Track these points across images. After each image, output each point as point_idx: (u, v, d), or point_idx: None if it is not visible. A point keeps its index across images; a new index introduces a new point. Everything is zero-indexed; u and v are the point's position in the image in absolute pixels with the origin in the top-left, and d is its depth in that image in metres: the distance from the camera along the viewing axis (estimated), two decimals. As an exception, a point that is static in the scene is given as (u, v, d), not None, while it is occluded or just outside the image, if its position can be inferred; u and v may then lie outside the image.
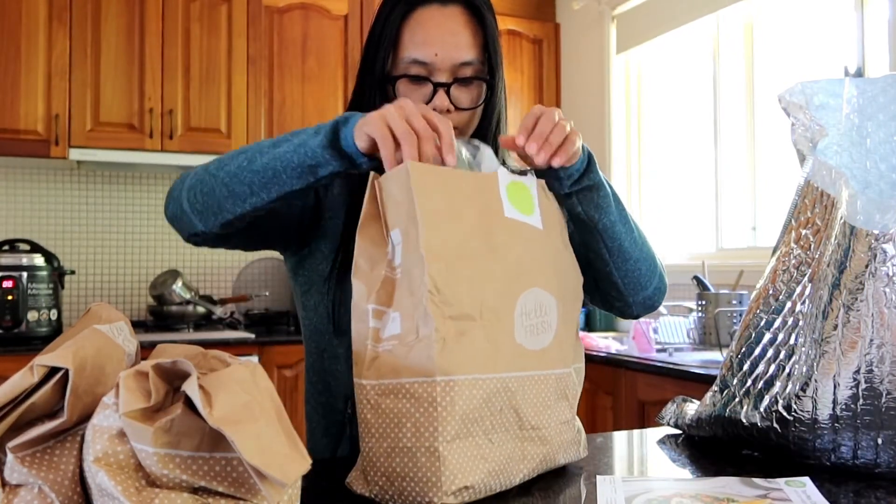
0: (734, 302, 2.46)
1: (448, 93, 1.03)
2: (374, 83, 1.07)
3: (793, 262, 0.92)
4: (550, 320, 0.87)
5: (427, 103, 1.02)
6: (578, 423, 0.92)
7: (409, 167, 0.78)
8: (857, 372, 0.83)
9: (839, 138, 0.90)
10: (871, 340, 0.82)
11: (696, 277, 2.59)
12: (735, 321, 2.40)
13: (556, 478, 0.87)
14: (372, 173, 0.83)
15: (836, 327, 0.84)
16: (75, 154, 2.86)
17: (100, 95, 2.90)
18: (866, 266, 0.82)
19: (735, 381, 0.97)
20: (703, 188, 3.08)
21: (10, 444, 0.53)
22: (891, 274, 0.81)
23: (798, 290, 0.91)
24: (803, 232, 0.92)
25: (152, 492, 0.52)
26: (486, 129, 1.12)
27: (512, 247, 0.84)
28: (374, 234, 0.82)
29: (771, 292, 0.94)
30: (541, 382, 0.85)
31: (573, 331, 0.92)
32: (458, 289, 0.78)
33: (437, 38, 1.03)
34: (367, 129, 0.83)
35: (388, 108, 0.83)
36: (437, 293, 0.76)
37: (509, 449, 0.80)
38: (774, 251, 0.96)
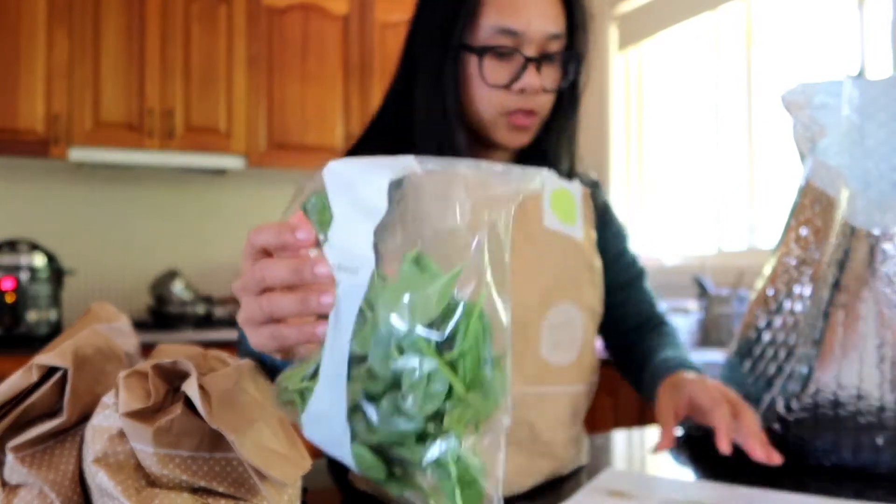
0: (734, 302, 2.46)
1: (538, 70, 0.88)
2: (444, 56, 0.88)
3: (792, 262, 0.92)
4: (577, 336, 0.84)
5: (514, 81, 0.87)
6: (583, 433, 0.92)
7: None
8: (858, 372, 0.83)
9: (839, 138, 0.90)
10: (871, 340, 0.82)
11: (696, 278, 2.58)
12: (735, 321, 2.40)
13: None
14: None
15: (836, 327, 0.84)
16: (75, 154, 2.86)
17: (100, 95, 2.90)
18: (866, 266, 0.82)
19: (735, 382, 0.96)
20: (703, 188, 3.08)
21: (10, 443, 0.53)
22: (891, 274, 0.81)
23: (797, 290, 0.91)
24: (803, 232, 0.92)
25: (152, 492, 0.52)
26: (565, 117, 0.96)
27: (548, 259, 0.81)
28: None
29: (770, 293, 0.94)
30: (559, 399, 0.83)
31: (594, 345, 0.90)
32: None
33: (530, 4, 0.87)
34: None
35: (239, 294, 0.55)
36: None
37: (518, 462, 0.80)
38: (774, 251, 0.96)
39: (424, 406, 0.40)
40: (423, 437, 0.41)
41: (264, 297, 0.50)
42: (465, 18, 0.87)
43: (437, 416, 0.41)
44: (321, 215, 0.48)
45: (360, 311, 0.43)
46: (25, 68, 2.81)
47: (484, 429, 0.42)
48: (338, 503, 0.84)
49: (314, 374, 0.46)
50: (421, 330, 0.41)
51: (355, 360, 0.42)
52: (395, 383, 0.41)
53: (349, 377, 0.42)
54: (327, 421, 0.44)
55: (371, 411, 0.42)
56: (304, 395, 0.47)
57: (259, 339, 0.52)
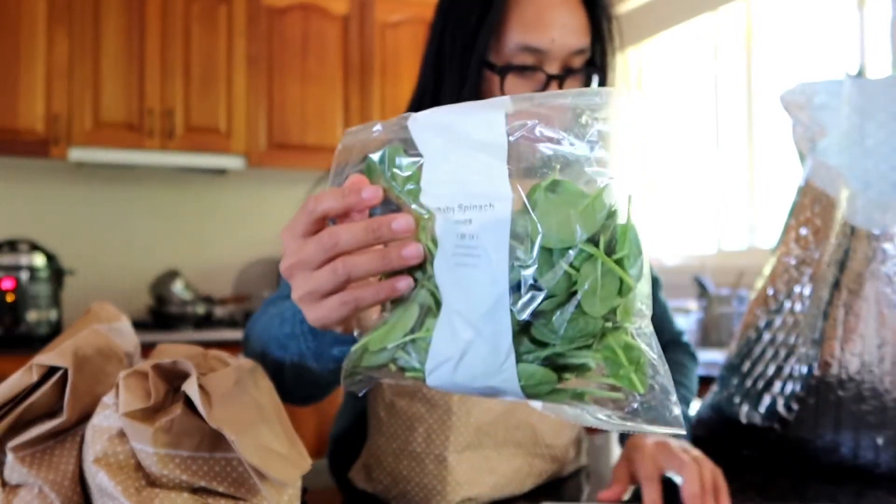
0: (734, 302, 2.46)
1: (560, 87, 0.86)
2: (464, 70, 0.86)
3: (792, 261, 0.92)
4: None
5: None
6: (584, 434, 0.92)
7: None
8: (858, 372, 0.83)
9: (839, 138, 0.90)
10: (871, 340, 0.82)
11: (696, 278, 2.59)
12: (735, 321, 2.40)
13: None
14: None
15: (836, 328, 0.84)
16: (75, 154, 2.86)
17: (100, 95, 2.90)
18: (866, 266, 0.82)
19: (735, 382, 0.96)
20: (703, 188, 3.08)
21: (10, 443, 0.53)
22: (891, 274, 0.81)
23: (797, 290, 0.91)
24: (802, 231, 0.92)
25: (152, 492, 0.52)
26: None
27: None
28: None
29: (770, 292, 0.94)
30: None
31: None
32: None
33: (555, 20, 0.83)
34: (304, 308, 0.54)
35: (290, 264, 0.53)
36: None
37: (518, 464, 0.80)
38: (774, 251, 0.96)
39: (604, 306, 0.43)
40: (593, 338, 0.45)
41: (339, 262, 0.50)
42: (489, 35, 0.84)
43: (610, 314, 0.44)
44: (392, 166, 0.49)
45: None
46: (25, 68, 2.81)
47: (635, 314, 0.45)
48: (338, 503, 0.84)
49: (420, 326, 0.48)
50: (588, 240, 0.44)
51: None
52: (567, 295, 0.44)
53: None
54: (475, 356, 0.46)
55: (543, 328, 0.44)
56: (408, 348, 0.49)
57: (322, 311, 0.51)
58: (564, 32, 0.84)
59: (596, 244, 0.44)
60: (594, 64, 0.89)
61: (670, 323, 1.11)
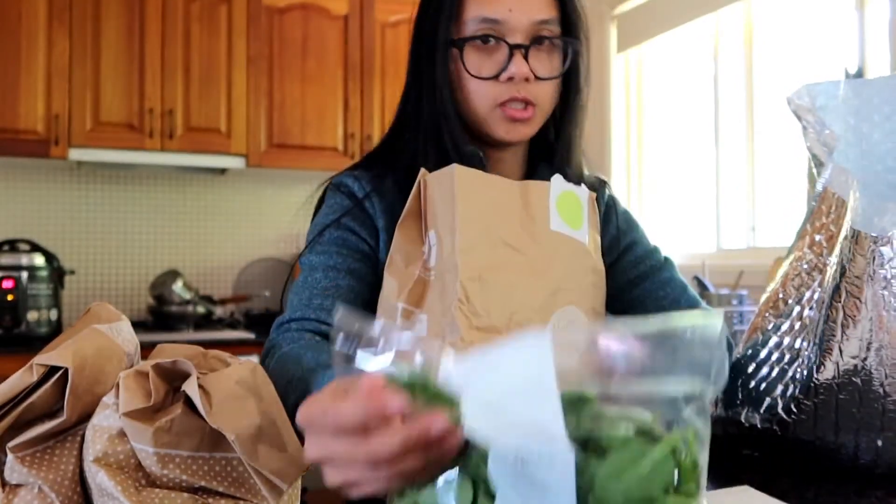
0: (734, 302, 2.46)
1: (526, 57, 0.87)
2: (434, 53, 0.89)
3: (804, 266, 0.92)
4: None
5: (502, 71, 0.87)
6: None
7: (456, 171, 0.77)
8: (857, 374, 0.83)
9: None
10: (871, 343, 0.82)
11: (696, 278, 2.59)
12: (735, 321, 2.40)
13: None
14: (423, 170, 0.81)
15: (835, 331, 0.84)
16: (75, 154, 2.86)
17: (100, 95, 2.90)
18: (865, 269, 0.83)
19: (737, 383, 0.96)
20: (702, 188, 3.08)
21: (10, 443, 0.54)
22: (889, 277, 0.82)
23: (807, 294, 0.91)
24: (817, 237, 0.92)
25: (152, 492, 0.52)
26: (568, 110, 0.96)
27: (553, 262, 0.81)
28: (413, 231, 0.80)
29: (781, 296, 0.94)
30: None
31: None
32: (488, 300, 0.75)
33: None
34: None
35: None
36: (467, 303, 0.74)
37: None
38: (788, 254, 0.96)
39: None
40: None
41: (381, 469, 0.46)
42: (449, 13, 0.88)
43: None
44: (423, 392, 0.47)
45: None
46: (25, 68, 2.81)
47: None
48: (338, 503, 0.84)
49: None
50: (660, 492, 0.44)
51: None
52: None
53: None
54: None
55: None
56: None
57: (359, 492, 0.48)
58: (523, 3, 0.87)
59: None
60: (562, 38, 0.91)
61: (694, 299, 1.09)
